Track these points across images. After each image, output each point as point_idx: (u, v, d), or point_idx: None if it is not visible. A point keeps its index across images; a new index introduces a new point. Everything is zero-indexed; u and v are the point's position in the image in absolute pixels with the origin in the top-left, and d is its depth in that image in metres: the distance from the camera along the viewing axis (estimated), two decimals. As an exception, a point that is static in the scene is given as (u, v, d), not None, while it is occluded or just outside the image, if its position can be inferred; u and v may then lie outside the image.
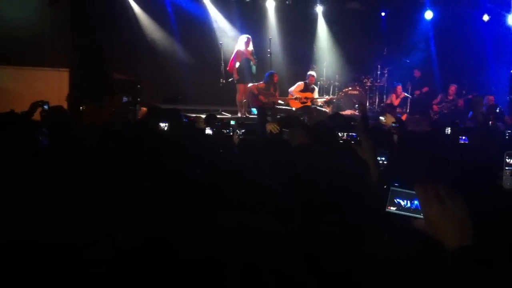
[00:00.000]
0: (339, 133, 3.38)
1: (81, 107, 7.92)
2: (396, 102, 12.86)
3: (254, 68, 11.83)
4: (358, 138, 3.27)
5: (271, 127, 5.23)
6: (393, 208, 1.71)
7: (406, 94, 13.03)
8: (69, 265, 2.26)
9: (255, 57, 11.87)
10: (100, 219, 2.63)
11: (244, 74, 11.67)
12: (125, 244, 2.38)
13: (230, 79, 11.86)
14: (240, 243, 2.11)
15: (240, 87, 11.72)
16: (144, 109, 9.11)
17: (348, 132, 3.36)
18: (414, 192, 1.63)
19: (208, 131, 5.22)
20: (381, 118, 5.99)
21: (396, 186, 1.71)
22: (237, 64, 11.67)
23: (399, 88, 12.90)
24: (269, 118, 7.70)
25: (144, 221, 2.59)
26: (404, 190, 1.70)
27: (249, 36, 11.90)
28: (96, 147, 3.99)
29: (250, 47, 11.81)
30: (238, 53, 11.74)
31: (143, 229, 2.38)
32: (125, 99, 9.35)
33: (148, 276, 2.17)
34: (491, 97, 12.15)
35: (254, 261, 2.04)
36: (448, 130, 6.18)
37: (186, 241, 2.30)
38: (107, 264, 2.29)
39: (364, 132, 3.41)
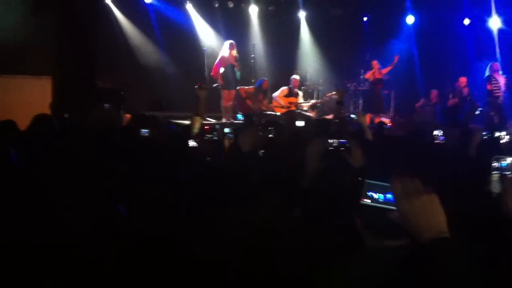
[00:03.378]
0: (329, 140, 3.41)
1: (65, 115, 7.88)
2: (377, 74, 12.71)
3: (238, 74, 11.85)
4: (348, 145, 3.32)
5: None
6: (367, 200, 1.75)
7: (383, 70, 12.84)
8: (64, 267, 2.27)
9: (239, 62, 11.90)
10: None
11: (229, 80, 11.69)
12: (117, 263, 2.38)
13: (214, 85, 11.86)
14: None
15: (224, 93, 11.73)
16: (128, 116, 9.10)
17: (338, 139, 3.40)
18: (388, 185, 1.66)
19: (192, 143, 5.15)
20: (353, 116, 6.03)
21: (369, 179, 1.75)
22: (222, 70, 11.69)
23: (375, 62, 12.81)
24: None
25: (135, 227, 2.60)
26: (378, 183, 1.74)
27: (233, 42, 11.93)
28: (82, 155, 4.00)
29: (234, 53, 11.83)
30: (222, 59, 11.76)
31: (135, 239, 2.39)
32: (106, 106, 9.33)
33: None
34: (463, 79, 12.21)
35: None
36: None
37: (176, 247, 2.32)
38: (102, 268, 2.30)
39: (352, 139, 3.45)
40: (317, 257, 2.43)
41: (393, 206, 1.65)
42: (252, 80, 12.67)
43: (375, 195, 1.77)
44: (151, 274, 2.18)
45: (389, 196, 1.74)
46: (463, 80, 12.20)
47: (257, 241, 2.36)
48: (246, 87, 11.74)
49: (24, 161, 4.14)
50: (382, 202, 1.76)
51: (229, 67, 11.69)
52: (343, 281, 1.93)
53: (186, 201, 3.13)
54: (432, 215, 1.54)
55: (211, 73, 11.92)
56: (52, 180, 3.20)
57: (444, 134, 5.33)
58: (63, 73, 10.01)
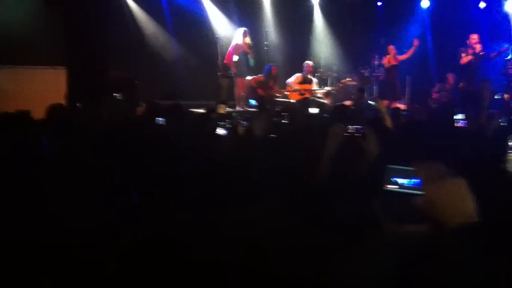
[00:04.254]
0: (347, 126, 3.38)
1: (77, 104, 7.91)
2: (393, 61, 12.61)
3: (252, 61, 11.80)
4: (364, 131, 3.29)
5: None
6: (391, 186, 1.71)
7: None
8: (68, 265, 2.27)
9: (252, 50, 11.84)
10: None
11: (242, 68, 11.65)
12: (129, 248, 2.38)
13: (228, 72, 11.81)
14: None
15: (238, 80, 11.69)
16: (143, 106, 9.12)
17: (354, 125, 3.37)
18: (411, 169, 1.63)
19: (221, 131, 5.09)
20: (371, 103, 5.96)
21: (393, 166, 1.72)
22: (235, 58, 11.65)
23: (391, 48, 12.66)
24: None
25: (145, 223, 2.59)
26: (401, 168, 1.70)
27: (246, 29, 11.87)
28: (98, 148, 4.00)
29: (248, 40, 11.77)
30: (236, 46, 11.71)
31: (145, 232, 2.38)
32: (119, 95, 9.35)
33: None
34: (474, 35, 11.98)
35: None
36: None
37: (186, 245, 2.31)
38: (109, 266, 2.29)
39: (367, 125, 3.42)
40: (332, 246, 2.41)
41: (419, 191, 1.62)
42: (263, 68, 12.62)
43: (400, 180, 1.74)
44: (152, 274, 2.17)
45: (414, 180, 1.70)
46: (474, 36, 11.87)
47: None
48: (255, 76, 11.68)
49: (41, 152, 4.15)
50: (407, 187, 1.73)
51: (243, 54, 11.65)
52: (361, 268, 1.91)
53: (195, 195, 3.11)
54: (460, 200, 1.50)
55: (225, 61, 11.87)
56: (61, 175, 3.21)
57: (465, 118, 5.26)
58: (77, 63, 10.02)
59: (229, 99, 11.25)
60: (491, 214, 1.64)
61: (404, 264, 1.86)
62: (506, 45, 11.89)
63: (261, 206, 2.45)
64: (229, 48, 11.86)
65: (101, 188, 3.06)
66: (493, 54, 11.88)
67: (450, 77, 12.84)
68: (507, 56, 11.86)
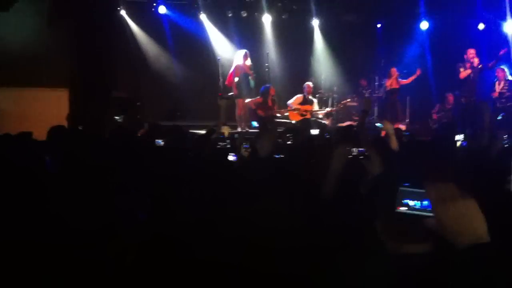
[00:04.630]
0: (351, 149, 3.39)
1: (79, 127, 7.92)
2: (394, 84, 12.71)
3: (252, 82, 11.86)
4: (367, 153, 3.30)
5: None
6: (403, 208, 1.71)
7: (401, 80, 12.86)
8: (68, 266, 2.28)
9: (253, 71, 11.91)
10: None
11: (243, 89, 11.70)
12: (135, 265, 2.38)
13: (230, 94, 11.86)
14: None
15: (239, 102, 11.74)
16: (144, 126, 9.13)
17: (357, 147, 3.38)
18: (423, 191, 1.62)
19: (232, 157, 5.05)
20: (378, 124, 5.98)
21: (404, 186, 1.71)
22: (236, 79, 11.71)
23: (394, 70, 12.79)
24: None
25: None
26: (413, 190, 1.70)
27: (247, 51, 11.95)
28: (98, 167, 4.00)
29: (248, 62, 11.84)
30: (237, 68, 11.77)
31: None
32: (121, 116, 9.38)
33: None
34: (471, 50, 11.99)
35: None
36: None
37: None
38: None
39: (371, 146, 3.43)
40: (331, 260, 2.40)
41: (430, 212, 1.62)
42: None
43: (411, 202, 1.73)
44: (153, 275, 2.18)
45: (425, 202, 1.69)
46: (471, 51, 11.90)
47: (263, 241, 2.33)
48: (253, 99, 11.73)
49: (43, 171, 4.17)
50: (418, 209, 1.72)
51: (243, 76, 11.71)
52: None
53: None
54: (470, 220, 1.50)
55: (226, 83, 11.93)
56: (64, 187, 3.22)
57: (466, 139, 5.28)
58: (79, 84, 10.08)
59: (228, 120, 11.29)
60: (497, 236, 1.65)
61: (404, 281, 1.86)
62: (502, 50, 11.88)
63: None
64: (230, 70, 11.92)
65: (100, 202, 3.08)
66: (490, 64, 11.91)
67: (450, 97, 12.89)
68: (501, 65, 11.82)
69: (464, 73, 11.75)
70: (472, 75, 11.69)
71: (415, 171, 3.55)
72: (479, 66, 11.68)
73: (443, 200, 1.53)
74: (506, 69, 11.80)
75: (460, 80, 11.89)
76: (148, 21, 13.69)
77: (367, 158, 3.37)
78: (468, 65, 11.69)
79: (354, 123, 11.03)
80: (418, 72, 12.58)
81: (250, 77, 11.78)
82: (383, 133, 7.52)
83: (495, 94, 11.79)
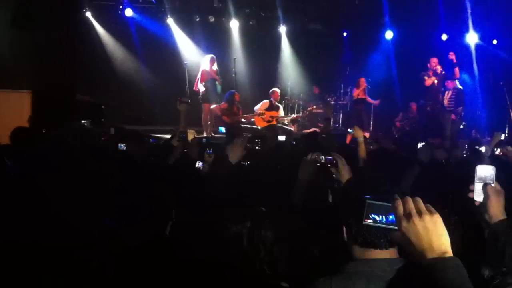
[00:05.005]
0: (319, 156, 3.41)
1: (43, 130, 7.76)
2: (362, 94, 12.87)
3: (219, 87, 11.84)
4: (335, 161, 3.32)
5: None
6: (369, 221, 1.72)
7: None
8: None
9: (220, 76, 11.89)
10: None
11: (210, 94, 11.66)
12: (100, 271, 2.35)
13: (188, 100, 11.69)
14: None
15: (205, 107, 11.69)
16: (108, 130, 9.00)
17: (324, 155, 3.40)
18: (389, 205, 1.64)
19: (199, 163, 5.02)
20: (350, 130, 6.03)
21: (371, 199, 1.73)
22: (202, 84, 11.66)
23: (362, 81, 12.94)
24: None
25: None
26: (380, 203, 1.71)
27: (214, 56, 11.92)
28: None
29: (215, 67, 11.82)
30: (203, 73, 11.73)
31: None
32: (85, 121, 9.21)
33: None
34: (434, 59, 12.15)
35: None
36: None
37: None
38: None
39: (339, 155, 3.45)
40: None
41: (395, 226, 1.63)
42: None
43: (378, 217, 1.74)
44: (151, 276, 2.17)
45: (391, 217, 1.71)
46: (434, 59, 12.06)
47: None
48: (218, 105, 11.69)
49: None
50: (385, 223, 1.73)
51: (210, 81, 11.67)
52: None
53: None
54: (435, 235, 1.52)
55: (194, 88, 11.88)
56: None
57: (429, 148, 5.36)
58: (42, 87, 9.86)
59: (189, 125, 11.19)
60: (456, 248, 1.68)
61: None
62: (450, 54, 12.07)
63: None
64: (197, 75, 11.87)
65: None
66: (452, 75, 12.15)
67: (413, 106, 13.13)
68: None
69: (429, 80, 11.93)
70: (436, 82, 11.89)
71: (382, 181, 3.59)
72: (443, 73, 11.89)
73: (409, 215, 1.55)
74: (456, 81, 12.03)
75: (425, 88, 12.08)
76: (114, 24, 13.55)
77: (335, 166, 3.39)
78: (431, 73, 11.90)
79: (319, 130, 11.14)
80: (377, 103, 12.86)
81: (217, 82, 11.75)
82: (348, 140, 7.62)
83: (445, 103, 12.03)
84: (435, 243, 1.50)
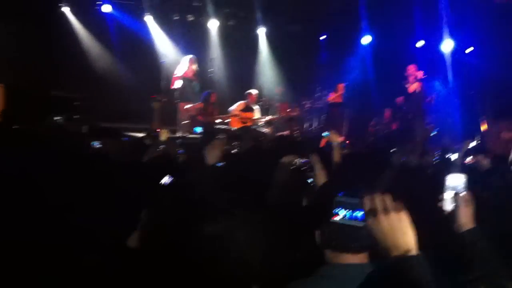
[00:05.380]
0: (294, 160, 3.44)
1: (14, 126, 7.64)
2: (338, 99, 12.99)
3: (197, 87, 11.80)
4: (311, 164, 3.35)
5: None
6: (337, 218, 1.75)
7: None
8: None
9: (197, 77, 11.85)
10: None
11: (186, 93, 11.61)
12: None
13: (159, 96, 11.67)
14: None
15: (181, 106, 11.64)
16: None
17: (300, 157, 3.43)
18: (356, 201, 1.67)
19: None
20: (325, 134, 6.06)
21: (339, 197, 1.75)
22: (179, 83, 11.61)
23: (341, 86, 13.06)
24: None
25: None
26: (346, 200, 1.74)
27: (194, 56, 11.86)
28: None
29: (195, 67, 11.76)
30: (181, 71, 11.68)
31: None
32: (56, 117, 9.10)
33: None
34: (411, 66, 12.16)
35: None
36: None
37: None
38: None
39: (316, 158, 3.48)
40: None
41: (360, 223, 1.66)
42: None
43: (343, 212, 1.77)
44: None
45: (357, 213, 1.74)
46: (411, 67, 12.08)
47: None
48: (194, 104, 11.65)
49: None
50: (350, 219, 1.76)
51: (187, 80, 11.63)
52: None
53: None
54: (400, 233, 1.55)
55: (170, 86, 11.82)
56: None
57: (401, 153, 5.43)
58: (16, 80, 9.73)
59: (163, 124, 11.19)
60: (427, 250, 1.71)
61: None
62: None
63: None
64: (174, 73, 11.81)
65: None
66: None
67: (387, 112, 13.26)
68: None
69: (412, 87, 11.99)
70: (419, 87, 11.97)
71: (353, 182, 3.64)
72: (424, 77, 11.97)
73: (376, 211, 1.58)
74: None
75: (408, 95, 12.13)
76: (92, 19, 13.38)
77: (310, 169, 3.42)
78: (412, 78, 11.97)
79: (294, 133, 11.20)
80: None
81: (194, 82, 11.71)
82: (322, 143, 7.66)
83: None
84: (400, 240, 1.53)
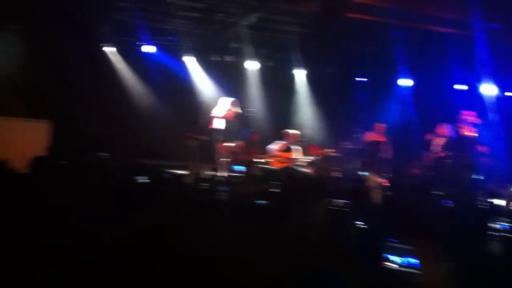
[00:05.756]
0: (332, 200, 3.43)
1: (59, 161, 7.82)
2: (376, 138, 12.87)
3: (236, 128, 11.89)
4: (348, 205, 3.33)
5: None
6: (388, 263, 1.71)
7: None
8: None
9: (238, 119, 11.94)
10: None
11: (226, 134, 11.70)
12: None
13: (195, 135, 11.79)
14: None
15: (219, 146, 11.71)
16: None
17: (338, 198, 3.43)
18: (406, 248, 1.64)
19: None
20: (364, 173, 6.02)
21: (390, 241, 1.72)
22: (218, 123, 11.71)
23: (380, 126, 12.95)
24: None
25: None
26: (398, 246, 1.71)
27: (236, 100, 11.96)
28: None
29: (236, 109, 11.85)
30: (221, 112, 11.80)
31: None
32: (99, 153, 9.31)
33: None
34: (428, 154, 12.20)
35: None
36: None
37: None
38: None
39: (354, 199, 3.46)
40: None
41: (414, 270, 1.63)
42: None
43: (395, 258, 1.74)
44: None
45: (411, 260, 1.71)
46: (468, 112, 11.85)
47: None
48: (236, 143, 11.75)
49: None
50: (404, 265, 1.73)
51: (227, 121, 11.74)
52: None
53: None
54: (448, 282, 1.53)
55: (209, 126, 11.92)
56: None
57: (448, 196, 5.34)
58: (60, 117, 10.01)
59: (195, 161, 11.31)
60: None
61: None
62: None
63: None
64: (215, 113, 11.89)
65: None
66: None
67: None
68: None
69: (465, 131, 11.77)
70: (472, 133, 11.78)
71: (398, 227, 3.57)
72: (480, 122, 11.84)
73: (427, 258, 1.56)
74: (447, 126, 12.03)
75: (461, 137, 11.90)
76: (132, 58, 13.73)
77: (348, 210, 3.40)
78: (465, 123, 11.76)
79: (334, 174, 11.13)
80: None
81: (234, 123, 11.81)
82: (367, 184, 7.58)
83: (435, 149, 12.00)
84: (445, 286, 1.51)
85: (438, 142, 11.92)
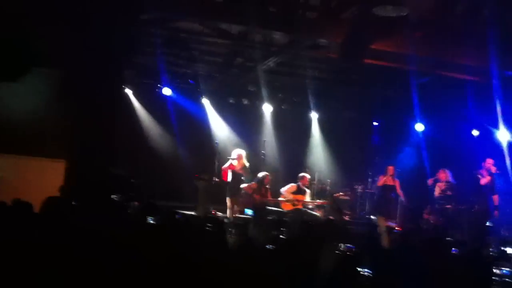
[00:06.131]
0: (340, 245, 3.46)
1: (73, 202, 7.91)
2: (389, 181, 12.81)
3: (246, 181, 11.99)
4: (356, 250, 3.35)
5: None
6: None
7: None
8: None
9: (248, 170, 12.02)
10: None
11: (234, 189, 11.80)
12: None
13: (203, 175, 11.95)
14: None
15: (228, 200, 11.79)
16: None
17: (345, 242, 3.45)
18: None
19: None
20: (373, 217, 6.01)
21: None
22: (229, 177, 11.86)
23: (391, 168, 12.94)
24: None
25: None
26: None
27: (242, 153, 12.10)
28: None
29: (243, 163, 11.99)
30: (231, 167, 11.93)
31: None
32: (114, 196, 9.37)
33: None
34: (490, 160, 12.14)
35: None
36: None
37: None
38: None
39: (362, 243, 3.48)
40: None
41: None
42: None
43: None
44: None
45: None
46: (490, 161, 12.17)
47: None
48: (249, 184, 11.83)
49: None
50: None
51: (236, 175, 11.86)
52: None
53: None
54: None
55: (223, 178, 12.05)
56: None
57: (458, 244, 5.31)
58: (76, 157, 10.14)
59: (205, 202, 11.36)
60: None
61: None
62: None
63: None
64: (227, 166, 12.02)
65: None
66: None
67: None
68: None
69: (484, 179, 11.93)
70: (491, 181, 11.91)
71: (409, 273, 3.59)
72: (497, 172, 11.94)
73: None
74: (447, 172, 12.10)
75: (478, 186, 12.06)
76: (152, 100, 13.97)
77: (356, 255, 3.41)
78: (486, 172, 11.93)
79: (345, 217, 11.08)
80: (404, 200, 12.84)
81: (243, 177, 11.92)
82: (378, 229, 7.57)
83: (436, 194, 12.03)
84: None
85: (440, 187, 12.00)
